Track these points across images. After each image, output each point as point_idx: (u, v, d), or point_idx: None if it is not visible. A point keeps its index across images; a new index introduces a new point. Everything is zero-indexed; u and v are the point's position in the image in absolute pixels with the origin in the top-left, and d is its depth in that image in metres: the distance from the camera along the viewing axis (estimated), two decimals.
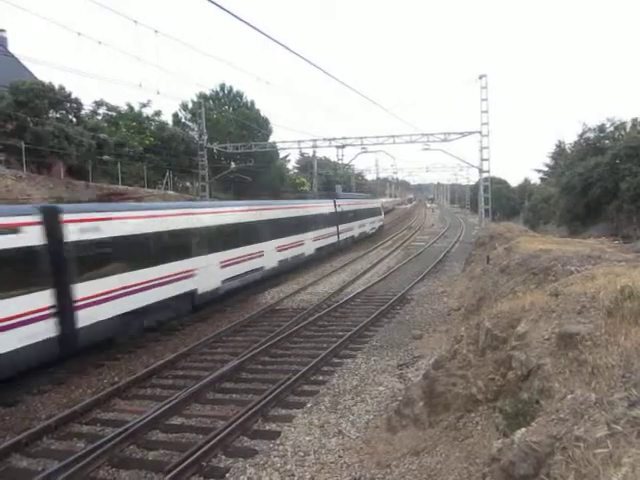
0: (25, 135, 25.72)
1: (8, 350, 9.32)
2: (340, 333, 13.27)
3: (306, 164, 66.32)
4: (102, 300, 11.66)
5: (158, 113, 40.89)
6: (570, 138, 54.34)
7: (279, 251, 22.12)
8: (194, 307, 15.62)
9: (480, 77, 34.04)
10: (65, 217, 11.04)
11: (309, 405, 8.88)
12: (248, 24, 11.30)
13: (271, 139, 48.37)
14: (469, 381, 6.35)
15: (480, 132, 34.29)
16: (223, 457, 7.26)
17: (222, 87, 49.08)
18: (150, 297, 13.26)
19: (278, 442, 7.53)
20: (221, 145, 39.31)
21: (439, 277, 22.57)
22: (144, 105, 39.68)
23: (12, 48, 31.22)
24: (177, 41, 67.54)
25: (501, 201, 65.14)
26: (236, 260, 17.95)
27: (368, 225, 42.94)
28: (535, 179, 74.87)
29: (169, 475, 6.53)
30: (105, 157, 30.27)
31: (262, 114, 49.19)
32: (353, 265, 27.27)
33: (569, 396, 3.77)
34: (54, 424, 8.39)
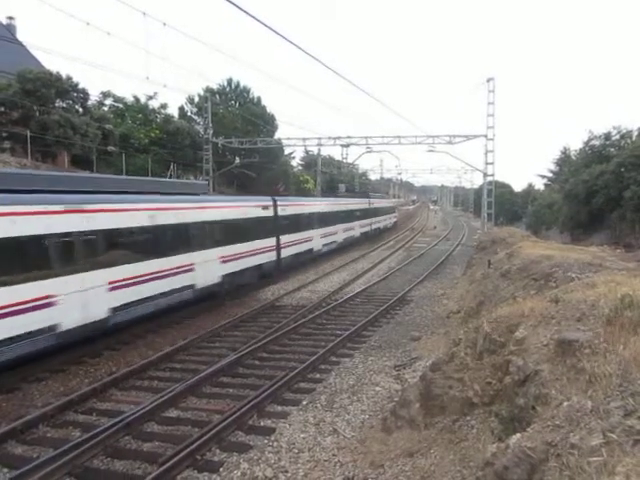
0: (31, 123, 25.77)
1: (265, 262, 20.33)
2: (338, 332, 13.27)
3: (310, 162, 66.23)
4: (288, 246, 22.57)
5: (164, 106, 40.90)
6: (575, 144, 54.29)
7: (344, 232, 32.86)
8: (311, 259, 26.61)
9: (488, 80, 33.99)
10: (278, 202, 22.02)
11: (305, 403, 8.89)
12: (262, 22, 11.29)
13: (276, 135, 48.38)
14: (466, 384, 6.35)
15: (485, 135, 34.24)
16: (218, 451, 7.27)
17: (229, 82, 49.08)
18: (301, 248, 24.54)
19: (273, 438, 7.54)
20: (226, 140, 39.30)
21: (440, 279, 22.56)
22: (150, 97, 39.71)
23: (20, 36, 31.31)
24: (185, 34, 67.65)
25: (504, 205, 65.06)
26: (325, 234, 28.61)
27: (388, 220, 54.76)
28: (539, 184, 74.82)
29: (163, 467, 6.54)
30: (110, 148, 30.29)
31: (268, 110, 49.18)
32: (354, 264, 27.29)
33: (565, 403, 3.77)
34: (50, 412, 8.42)
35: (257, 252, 19.41)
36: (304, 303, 17.20)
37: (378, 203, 48.72)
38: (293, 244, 23.27)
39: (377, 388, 9.51)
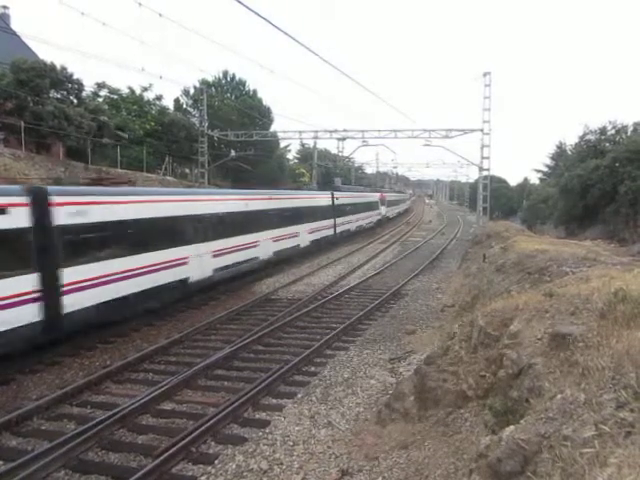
0: (25, 114, 25.51)
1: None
2: (334, 325, 13.29)
3: (306, 155, 66.14)
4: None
5: (159, 98, 40.61)
6: (571, 139, 54.46)
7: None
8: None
9: (484, 75, 34.03)
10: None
11: (300, 395, 8.92)
12: (258, 14, 11.22)
13: (272, 128, 48.24)
14: (460, 378, 6.38)
15: (482, 130, 34.28)
16: (212, 443, 7.29)
17: (225, 74, 48.83)
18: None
19: (268, 431, 7.57)
20: (222, 132, 39.13)
21: (434, 273, 22.60)
22: (145, 89, 39.37)
23: (15, 25, 30.96)
24: (181, 26, 67.08)
25: (500, 200, 65.33)
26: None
27: (404, 206, 75.78)
28: (534, 179, 75.04)
29: (158, 460, 6.55)
30: (105, 140, 30.07)
31: (264, 103, 49.02)
32: (349, 258, 27.29)
33: (559, 396, 3.80)
34: (45, 404, 8.41)
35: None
36: (299, 296, 17.19)
37: (400, 195, 65.81)
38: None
39: (372, 381, 9.55)
